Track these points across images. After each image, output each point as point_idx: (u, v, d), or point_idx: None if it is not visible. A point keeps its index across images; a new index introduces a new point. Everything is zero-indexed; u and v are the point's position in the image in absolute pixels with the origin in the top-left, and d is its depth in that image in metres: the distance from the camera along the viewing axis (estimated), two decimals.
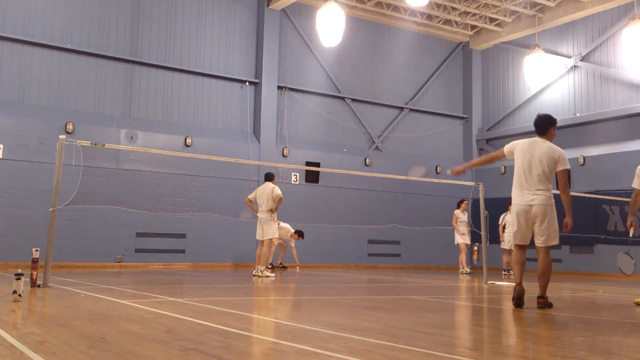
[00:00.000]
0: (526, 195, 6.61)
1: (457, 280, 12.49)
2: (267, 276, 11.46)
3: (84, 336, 3.95)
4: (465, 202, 15.64)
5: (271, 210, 11.72)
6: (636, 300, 7.34)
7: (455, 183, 13.75)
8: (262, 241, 11.76)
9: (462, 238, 15.53)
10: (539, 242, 6.65)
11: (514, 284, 6.70)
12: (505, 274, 14.43)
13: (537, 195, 6.55)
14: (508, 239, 14.44)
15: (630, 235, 7.82)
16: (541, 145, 6.77)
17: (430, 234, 17.26)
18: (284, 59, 17.84)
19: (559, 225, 6.64)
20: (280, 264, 15.22)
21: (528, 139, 6.95)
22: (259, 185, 12.95)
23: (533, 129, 7.00)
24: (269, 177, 12.11)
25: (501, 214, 14.93)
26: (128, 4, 15.66)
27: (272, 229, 11.76)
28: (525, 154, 6.72)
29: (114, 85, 15.35)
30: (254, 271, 11.73)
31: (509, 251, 14.57)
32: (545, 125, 6.93)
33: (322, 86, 18.53)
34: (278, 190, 11.80)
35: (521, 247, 6.88)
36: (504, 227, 14.89)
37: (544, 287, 6.65)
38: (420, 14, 19.63)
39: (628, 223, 7.60)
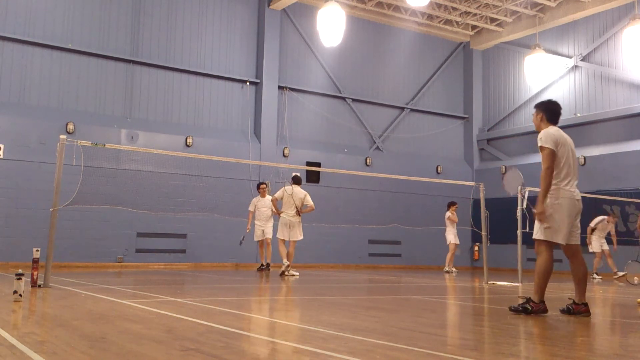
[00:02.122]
0: (576, 189, 5.94)
1: (457, 281, 12.49)
2: (293, 275, 11.79)
3: (85, 336, 3.95)
4: (457, 204, 15.80)
5: (298, 214, 12.09)
6: (639, 300, 7.33)
7: (456, 183, 13.75)
8: (290, 241, 12.10)
9: (455, 238, 15.72)
10: (578, 240, 6.00)
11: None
12: (594, 278, 14.17)
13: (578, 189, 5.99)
14: (599, 244, 14.40)
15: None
16: (567, 136, 6.10)
17: (431, 234, 17.25)
18: (284, 59, 17.84)
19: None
20: (268, 264, 14.07)
21: (554, 127, 6.10)
22: (259, 187, 13.00)
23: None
24: (299, 181, 12.44)
25: (593, 216, 14.58)
26: (129, 4, 15.67)
27: (300, 231, 12.22)
28: (567, 144, 5.97)
29: (114, 85, 15.36)
30: (284, 269, 11.82)
31: (601, 253, 14.52)
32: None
33: (323, 86, 18.53)
34: (311, 201, 12.19)
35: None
36: (593, 230, 14.62)
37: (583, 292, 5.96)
38: (420, 14, 19.63)
39: (638, 225, 7.52)
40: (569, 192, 5.82)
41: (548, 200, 5.80)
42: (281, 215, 12.12)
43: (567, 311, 5.88)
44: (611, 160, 16.94)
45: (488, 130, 21.21)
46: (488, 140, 21.20)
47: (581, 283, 5.89)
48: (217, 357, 3.38)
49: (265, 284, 10.19)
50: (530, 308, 5.80)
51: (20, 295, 6.00)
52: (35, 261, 7.50)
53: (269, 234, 13.58)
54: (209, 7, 16.85)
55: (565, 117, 18.63)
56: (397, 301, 6.83)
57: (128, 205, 13.58)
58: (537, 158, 21.61)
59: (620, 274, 14.34)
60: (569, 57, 18.93)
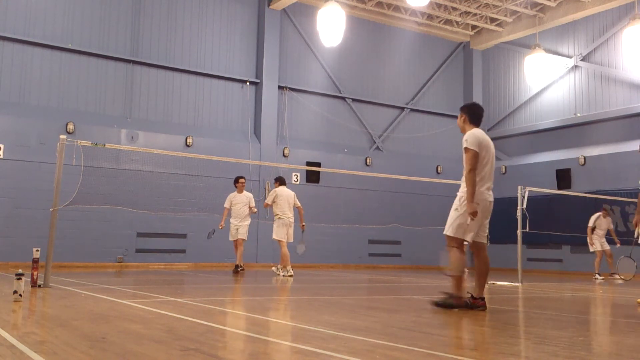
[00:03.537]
0: (490, 192, 6.30)
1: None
2: (291, 275, 11.89)
3: (85, 336, 3.95)
4: None
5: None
6: (639, 300, 7.33)
7: (456, 183, 13.72)
8: (285, 242, 12.15)
9: None
10: (484, 239, 6.31)
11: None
12: (596, 278, 14.17)
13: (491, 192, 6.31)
14: (600, 243, 14.40)
15: (635, 235, 7.80)
16: (490, 140, 6.49)
17: (431, 234, 17.22)
18: (284, 58, 17.84)
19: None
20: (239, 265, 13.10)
21: (478, 129, 6.40)
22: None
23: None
24: (284, 182, 12.50)
25: (590, 216, 14.63)
26: (129, 3, 15.67)
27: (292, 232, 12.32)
28: (490, 148, 6.34)
29: (114, 85, 15.36)
30: (286, 272, 11.91)
31: (601, 253, 14.52)
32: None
33: (323, 86, 18.53)
34: (298, 202, 12.33)
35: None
36: (593, 229, 14.60)
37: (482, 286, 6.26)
38: (420, 14, 19.63)
39: (634, 222, 7.59)
40: (482, 194, 6.14)
41: (464, 200, 6.08)
42: (279, 217, 12.09)
43: (465, 305, 6.09)
44: (611, 160, 16.93)
45: (488, 130, 21.17)
46: None
47: (481, 279, 6.20)
48: (217, 357, 3.38)
49: (264, 284, 10.19)
50: (453, 303, 6.08)
51: (20, 295, 6.00)
52: (35, 261, 7.50)
53: (243, 235, 12.69)
54: (209, 7, 16.85)
55: (565, 117, 18.77)
56: (397, 301, 6.83)
57: (128, 205, 13.58)
58: (538, 158, 21.82)
59: (600, 278, 14.39)
60: (569, 57, 18.93)
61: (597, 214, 14.65)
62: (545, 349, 4.01)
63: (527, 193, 11.65)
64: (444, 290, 6.36)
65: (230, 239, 12.88)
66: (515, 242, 11.81)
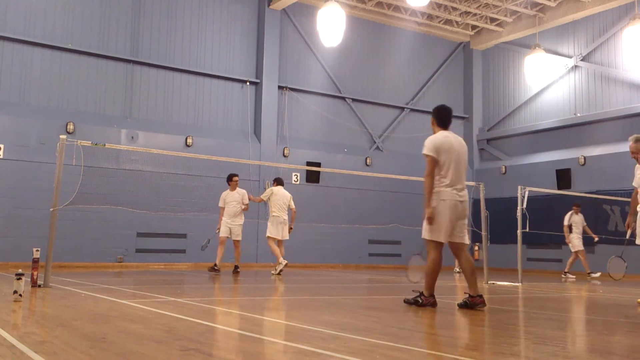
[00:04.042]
0: (461, 192, 6.32)
1: (457, 280, 12.48)
2: (286, 264, 12.12)
3: (85, 336, 3.95)
4: None
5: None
6: (639, 300, 7.32)
7: None
8: (281, 240, 12.38)
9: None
10: (462, 239, 6.35)
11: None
12: (589, 278, 14.31)
13: (465, 191, 6.40)
14: (578, 242, 14.44)
15: (627, 236, 7.82)
16: (458, 139, 6.58)
17: None
18: (284, 58, 17.84)
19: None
20: (236, 267, 12.72)
21: (443, 132, 6.53)
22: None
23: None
24: (283, 182, 12.69)
25: (565, 215, 14.68)
26: (128, 4, 15.67)
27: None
28: (452, 149, 6.38)
29: (114, 85, 15.36)
30: (277, 271, 12.03)
31: (576, 253, 14.58)
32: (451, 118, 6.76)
33: (323, 86, 18.53)
34: (293, 204, 12.48)
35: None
36: (570, 228, 14.66)
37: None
38: (420, 14, 19.63)
39: (626, 223, 7.62)
40: (451, 194, 6.22)
41: (433, 202, 6.21)
42: (275, 215, 12.24)
43: (464, 305, 6.19)
44: (611, 160, 16.92)
45: (488, 130, 21.21)
46: (488, 140, 21.20)
47: (470, 277, 6.25)
48: (217, 357, 3.38)
49: (264, 284, 10.19)
50: (421, 301, 6.28)
51: (20, 295, 6.00)
52: (35, 261, 7.50)
53: (238, 236, 12.39)
54: (209, 7, 16.85)
55: (565, 117, 18.77)
56: (397, 301, 6.83)
57: (128, 205, 13.58)
58: (538, 158, 21.81)
59: (595, 274, 14.43)
60: (569, 57, 18.93)
61: (570, 212, 14.71)
62: (545, 349, 4.01)
63: (527, 193, 11.65)
64: (415, 289, 6.49)
65: (221, 234, 12.48)
66: (515, 242, 11.81)
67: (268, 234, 12.33)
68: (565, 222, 14.63)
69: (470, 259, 6.46)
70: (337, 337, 4.17)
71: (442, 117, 6.67)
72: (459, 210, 6.27)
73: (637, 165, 7.40)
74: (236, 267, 12.53)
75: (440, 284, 11.29)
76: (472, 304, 6.14)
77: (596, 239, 14.67)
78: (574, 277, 14.42)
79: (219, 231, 12.53)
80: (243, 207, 12.50)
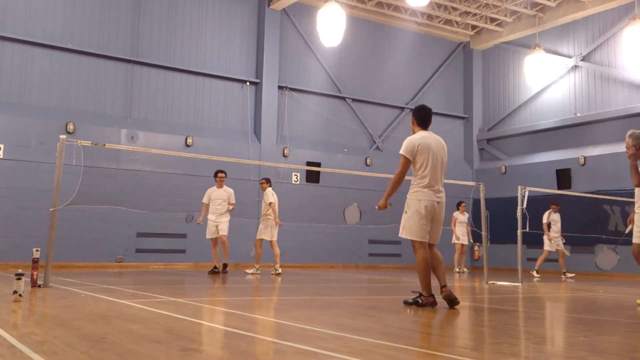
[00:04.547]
0: (438, 193, 6.41)
1: (458, 280, 12.49)
2: (259, 273, 12.22)
3: (85, 336, 3.95)
4: (464, 203, 15.83)
5: None
6: (639, 300, 7.31)
7: (456, 183, 13.70)
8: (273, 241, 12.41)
9: (458, 239, 15.86)
10: (435, 240, 6.51)
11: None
12: (564, 277, 14.42)
13: (443, 192, 6.47)
14: (555, 241, 14.49)
15: (627, 231, 7.88)
16: (437, 139, 6.65)
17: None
18: (284, 59, 17.83)
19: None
20: (225, 265, 12.45)
21: (422, 132, 6.61)
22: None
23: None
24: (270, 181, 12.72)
25: (544, 213, 14.69)
26: (128, 3, 15.66)
27: None
28: (430, 150, 6.44)
29: (114, 85, 15.36)
30: (276, 271, 12.25)
31: (548, 252, 14.64)
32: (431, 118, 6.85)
33: (323, 86, 18.53)
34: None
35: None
36: (549, 226, 14.70)
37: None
38: (420, 14, 19.63)
39: (629, 219, 7.65)
40: (427, 194, 6.33)
41: (408, 201, 6.44)
42: (269, 217, 12.28)
43: (432, 304, 6.28)
44: (611, 160, 16.92)
45: (488, 130, 21.21)
46: (488, 140, 21.20)
47: (437, 271, 6.41)
48: (217, 357, 3.38)
49: (264, 284, 10.19)
50: (421, 301, 6.29)
51: (20, 295, 6.00)
52: (35, 261, 7.50)
53: (224, 231, 12.00)
54: (209, 7, 16.85)
55: (565, 117, 18.76)
56: (397, 301, 6.83)
57: (128, 205, 13.58)
58: (538, 158, 21.74)
59: (570, 274, 14.46)
60: (569, 57, 18.93)
61: (548, 211, 14.76)
62: (545, 349, 4.01)
63: (527, 193, 11.65)
64: (414, 290, 6.52)
65: (208, 236, 12.22)
66: (515, 242, 11.81)
67: (265, 237, 12.38)
68: (544, 220, 14.67)
69: (438, 254, 6.53)
70: (336, 337, 4.17)
71: (422, 117, 6.73)
72: (436, 211, 6.35)
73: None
74: (225, 265, 12.13)
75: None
76: (442, 294, 6.22)
77: (562, 241, 14.76)
78: (539, 276, 14.50)
79: (199, 224, 12.19)
80: (230, 207, 12.16)
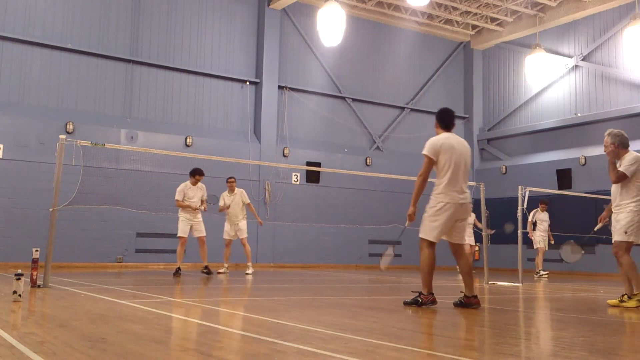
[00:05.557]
0: (462, 194, 6.40)
1: (458, 281, 12.48)
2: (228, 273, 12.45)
3: (84, 336, 3.95)
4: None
5: None
6: (610, 302, 7.24)
7: None
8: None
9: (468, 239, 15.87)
10: (461, 240, 6.52)
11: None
12: (537, 276, 14.36)
13: (467, 192, 6.49)
14: (540, 239, 14.49)
15: (595, 229, 8.04)
16: (460, 140, 6.69)
17: None
18: (284, 58, 17.83)
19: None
20: (207, 267, 12.16)
21: (445, 134, 6.68)
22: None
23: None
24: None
25: (531, 211, 14.62)
26: (128, 3, 15.66)
27: None
28: (454, 151, 6.47)
29: (114, 85, 15.35)
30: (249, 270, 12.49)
31: (544, 250, 14.64)
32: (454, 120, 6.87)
33: (323, 86, 18.52)
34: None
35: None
36: (534, 225, 14.69)
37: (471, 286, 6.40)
38: (421, 14, 19.62)
39: (600, 217, 7.85)
40: (451, 195, 6.30)
41: (431, 201, 6.36)
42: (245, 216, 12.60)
43: (460, 304, 6.32)
44: None
45: (488, 130, 21.20)
46: (488, 140, 21.19)
47: (467, 278, 6.37)
48: (217, 357, 3.37)
49: (264, 284, 10.19)
50: (420, 300, 6.32)
51: (20, 295, 5.99)
52: (35, 261, 7.49)
53: (201, 232, 11.89)
54: (209, 7, 16.84)
55: (565, 117, 18.75)
56: (398, 301, 6.82)
57: (128, 205, 13.57)
58: (538, 158, 21.72)
59: (544, 273, 14.49)
60: (570, 56, 18.92)
61: (535, 209, 14.74)
62: (546, 349, 4.00)
63: (527, 193, 11.64)
64: (414, 290, 6.53)
65: (180, 234, 11.96)
66: (516, 242, 11.80)
67: (246, 234, 12.66)
68: (530, 219, 14.65)
69: (469, 261, 6.56)
70: (337, 337, 4.17)
71: (444, 119, 6.80)
72: (459, 212, 6.32)
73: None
74: (206, 267, 11.80)
75: (442, 284, 11.28)
76: (467, 304, 6.27)
77: (552, 241, 14.77)
78: (547, 273, 14.48)
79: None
80: (202, 207, 11.91)
